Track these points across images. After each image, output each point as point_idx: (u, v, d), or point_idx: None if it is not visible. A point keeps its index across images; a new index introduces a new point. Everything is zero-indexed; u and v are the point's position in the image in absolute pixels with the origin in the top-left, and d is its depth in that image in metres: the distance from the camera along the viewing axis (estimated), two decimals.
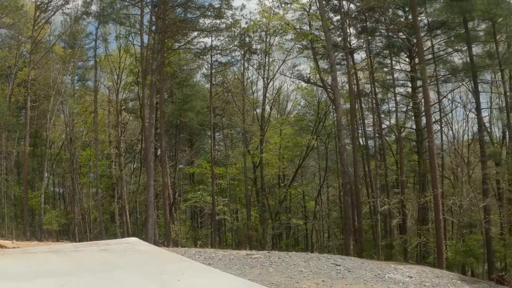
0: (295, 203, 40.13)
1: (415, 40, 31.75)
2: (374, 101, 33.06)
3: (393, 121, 35.95)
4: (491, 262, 29.21)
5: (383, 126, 35.02)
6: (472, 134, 35.51)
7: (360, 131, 33.95)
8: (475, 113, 31.63)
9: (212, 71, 35.75)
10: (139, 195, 37.58)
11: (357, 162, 29.53)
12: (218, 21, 31.39)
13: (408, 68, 33.01)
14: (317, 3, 27.68)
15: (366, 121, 34.81)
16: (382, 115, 35.03)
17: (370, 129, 35.60)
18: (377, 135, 33.74)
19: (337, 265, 11.45)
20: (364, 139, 34.24)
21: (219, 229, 39.25)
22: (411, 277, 11.07)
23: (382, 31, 33.16)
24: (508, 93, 31.59)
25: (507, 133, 30.40)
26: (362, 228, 28.45)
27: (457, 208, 27.03)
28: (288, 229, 38.59)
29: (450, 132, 37.90)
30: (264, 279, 9.26)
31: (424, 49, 33.30)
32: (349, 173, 26.03)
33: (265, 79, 35.62)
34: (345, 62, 32.66)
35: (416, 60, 32.75)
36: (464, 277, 14.64)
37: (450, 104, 36.75)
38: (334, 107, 29.08)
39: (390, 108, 35.48)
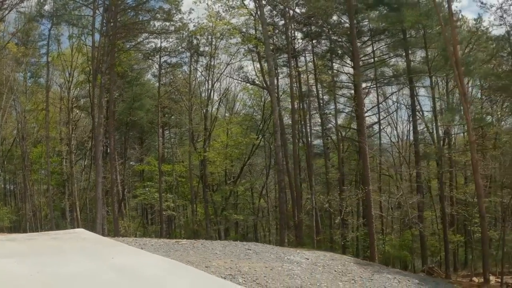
0: (243, 200, 42.45)
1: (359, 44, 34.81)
2: (317, 102, 35.84)
3: (339, 121, 38.79)
4: (424, 256, 32.22)
5: (329, 126, 37.83)
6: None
7: (305, 130, 36.40)
8: (419, 115, 34.82)
9: (161, 72, 37.73)
10: (89, 192, 38.69)
11: (297, 161, 32.19)
12: (167, 24, 33.36)
13: (352, 71, 35.62)
14: (259, 11, 30.10)
15: (313, 121, 37.57)
16: (330, 115, 37.80)
17: (317, 129, 38.39)
18: (323, 134, 36.58)
19: (248, 249, 13.88)
20: (306, 138, 36.24)
21: (169, 225, 41.33)
22: (307, 259, 13.54)
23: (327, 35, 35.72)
24: (444, 97, 34.84)
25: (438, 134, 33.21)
26: (301, 223, 31.05)
27: (389, 204, 29.95)
28: (235, 224, 41.08)
29: (395, 131, 40.93)
30: (183, 258, 11.56)
31: (368, 52, 36.34)
32: (284, 171, 28.59)
33: (210, 81, 37.92)
34: (293, 64, 35.22)
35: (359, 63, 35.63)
36: (359, 260, 17.22)
37: (394, 105, 39.76)
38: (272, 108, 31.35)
39: (337, 109, 38.23)
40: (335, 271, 12.65)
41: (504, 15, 28.71)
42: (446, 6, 32.02)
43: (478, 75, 31.80)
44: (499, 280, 26.27)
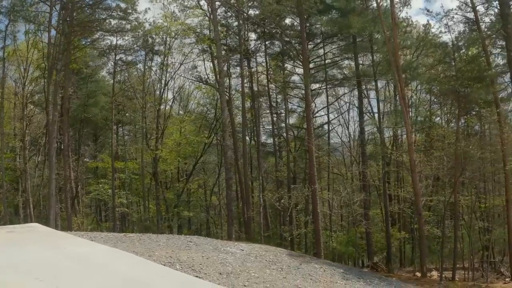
0: (195, 197, 43.81)
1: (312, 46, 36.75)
2: (269, 102, 37.74)
3: (292, 121, 40.76)
4: (370, 252, 34.31)
5: (282, 125, 39.69)
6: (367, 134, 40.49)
7: (256, 130, 38.16)
8: (369, 115, 36.89)
9: (116, 69, 38.78)
10: (43, 188, 39.11)
11: (246, 159, 34.02)
12: (124, 22, 34.29)
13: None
14: (211, 15, 31.69)
15: (266, 120, 39.47)
16: (282, 115, 39.68)
17: (269, 128, 40.24)
18: (273, 133, 38.50)
19: (190, 241, 15.49)
20: (256, 137, 38.23)
21: (122, 222, 42.57)
22: (242, 250, 15.19)
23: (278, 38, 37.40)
24: (391, 100, 37.05)
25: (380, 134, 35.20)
26: (250, 220, 32.84)
27: (335, 202, 31.91)
28: (188, 221, 42.60)
29: (346, 131, 43.04)
30: (129, 249, 13.10)
31: (320, 54, 38.27)
32: (232, 169, 30.34)
33: (163, 80, 39.51)
34: (246, 64, 36.96)
35: (311, 65, 37.55)
36: (292, 252, 18.99)
37: (346, 105, 41.87)
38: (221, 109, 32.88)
39: (288, 109, 40.09)
40: (266, 260, 14.39)
41: (450, 23, 30.86)
42: (398, 12, 34.55)
43: (422, 79, 33.96)
44: (447, 274, 28.68)
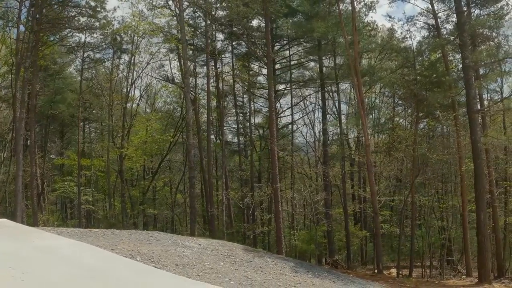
0: (161, 195, 45.03)
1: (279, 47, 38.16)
2: (234, 102, 39.16)
3: (259, 120, 42.20)
4: (332, 250, 35.91)
5: (247, 125, 41.05)
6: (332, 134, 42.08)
7: (221, 129, 39.46)
8: (333, 116, 38.50)
9: (84, 66, 39.48)
10: (8, 185, 39.27)
11: (211, 158, 35.43)
12: (92, 20, 34.82)
13: None
14: (178, 16, 32.91)
15: (233, 119, 40.87)
16: (248, 115, 41.06)
17: (235, 127, 41.64)
18: (238, 133, 39.92)
19: (151, 236, 16.80)
20: (221, 136, 39.35)
21: (88, 219, 43.26)
22: (200, 245, 16.56)
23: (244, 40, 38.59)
24: (353, 102, 38.63)
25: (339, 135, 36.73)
26: (213, 217, 34.22)
27: (297, 201, 33.52)
28: (154, 219, 43.77)
29: (311, 131, 44.53)
30: (93, 242, 14.32)
31: (286, 55, 39.74)
32: (196, 168, 31.72)
33: (130, 78, 40.43)
34: (212, 64, 38.28)
35: (277, 66, 39.03)
36: (247, 247, 20.31)
37: (312, 106, 43.39)
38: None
39: (252, 109, 41.47)
40: (221, 254, 15.76)
41: (412, 29, 32.55)
42: (363, 16, 36.13)
43: (384, 83, 35.64)
44: (405, 272, 30.32)
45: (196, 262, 13.75)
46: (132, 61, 39.99)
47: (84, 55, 39.14)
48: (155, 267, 12.14)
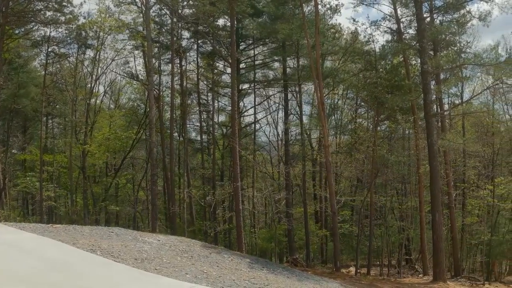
0: (123, 192, 45.38)
1: (244, 46, 38.82)
2: (198, 100, 39.80)
3: (223, 119, 42.92)
4: (292, 248, 36.77)
5: (211, 123, 41.79)
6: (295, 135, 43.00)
7: (184, 127, 40.09)
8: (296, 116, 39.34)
9: (48, 61, 39.45)
10: None
11: (173, 155, 36.07)
12: (58, 14, 35.05)
13: None
14: (145, 13, 33.46)
15: (197, 118, 41.48)
16: (212, 113, 41.83)
17: (198, 125, 42.23)
18: (201, 131, 40.60)
19: (111, 232, 17.43)
20: (184, 134, 40.16)
21: (49, 215, 43.28)
22: (159, 240, 17.25)
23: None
24: (316, 103, 39.49)
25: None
26: (174, 215, 34.85)
27: (257, 200, 34.37)
28: (116, 216, 44.08)
29: (275, 131, 45.40)
30: (55, 237, 14.86)
31: (251, 55, 40.52)
32: (157, 165, 32.29)
33: (94, 74, 40.85)
34: (177, 62, 38.84)
35: (243, 65, 39.79)
36: (206, 244, 21.02)
37: (275, 106, 44.28)
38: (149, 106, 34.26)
39: (215, 108, 42.20)
40: (179, 250, 16.48)
41: (375, 33, 33.50)
42: (328, 19, 37.02)
43: (346, 85, 36.66)
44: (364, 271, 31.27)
45: (155, 256, 14.46)
46: (97, 57, 40.32)
47: (49, 50, 39.23)
48: (114, 261, 12.88)
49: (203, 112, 41.72)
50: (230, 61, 32.46)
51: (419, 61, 29.97)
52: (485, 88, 35.54)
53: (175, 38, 36.94)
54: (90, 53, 41.05)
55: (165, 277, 12.02)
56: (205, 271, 14.05)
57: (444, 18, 32.57)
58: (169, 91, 39.03)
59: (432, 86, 30.08)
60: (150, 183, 33.98)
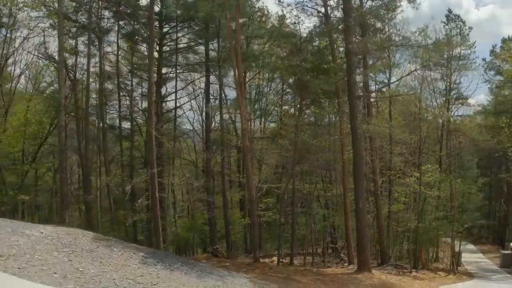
0: (43, 181, 42.36)
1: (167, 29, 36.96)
2: (117, 84, 37.67)
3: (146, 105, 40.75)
4: (214, 238, 35.23)
5: (135, 109, 39.79)
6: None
7: (102, 112, 37.92)
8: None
9: None
10: None
11: (89, 141, 34.03)
12: None
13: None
14: None
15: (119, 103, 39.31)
16: (137, 98, 39.82)
17: (122, 110, 40.07)
18: (120, 116, 38.54)
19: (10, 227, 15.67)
20: (102, 120, 38.23)
21: None
22: (42, 233, 15.43)
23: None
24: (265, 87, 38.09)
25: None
26: (90, 204, 32.81)
27: (175, 187, 32.79)
28: (35, 206, 41.66)
29: (200, 117, 43.52)
30: None
31: (174, 38, 38.63)
32: (66, 152, 30.09)
33: (6, 54, 37.69)
34: (96, 43, 36.60)
35: (166, 48, 37.92)
36: (100, 236, 19.06)
37: (200, 91, 42.44)
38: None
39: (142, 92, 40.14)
40: (61, 243, 14.61)
41: (301, 15, 32.21)
42: (255, 1, 35.61)
43: (269, 68, 35.37)
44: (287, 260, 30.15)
45: (26, 252, 12.61)
46: (10, 35, 37.41)
47: None
48: None
49: (127, 98, 39.42)
50: (148, 40, 30.64)
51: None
52: (413, 69, 34.83)
53: (94, 18, 34.71)
54: (2, 31, 37.93)
55: (20, 278, 10.13)
56: (80, 269, 12.25)
57: (373, 3, 31.54)
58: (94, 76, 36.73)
59: (358, 70, 29.26)
60: (59, 170, 31.63)
